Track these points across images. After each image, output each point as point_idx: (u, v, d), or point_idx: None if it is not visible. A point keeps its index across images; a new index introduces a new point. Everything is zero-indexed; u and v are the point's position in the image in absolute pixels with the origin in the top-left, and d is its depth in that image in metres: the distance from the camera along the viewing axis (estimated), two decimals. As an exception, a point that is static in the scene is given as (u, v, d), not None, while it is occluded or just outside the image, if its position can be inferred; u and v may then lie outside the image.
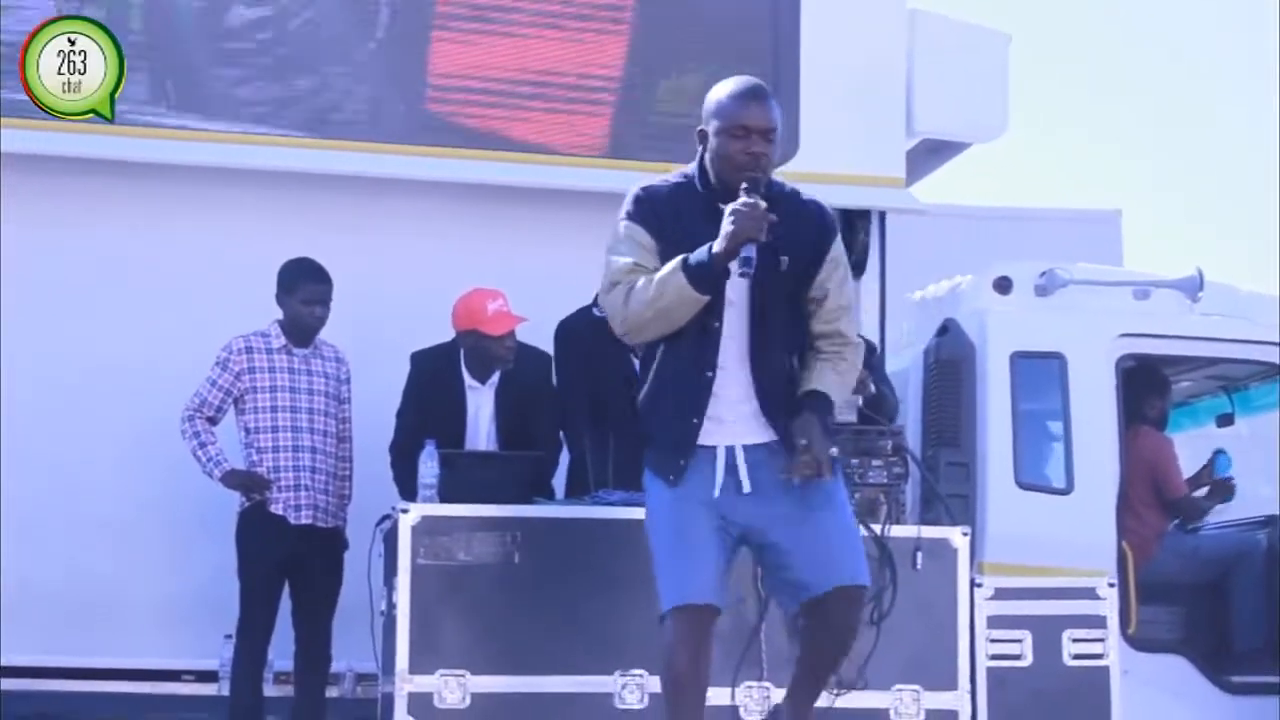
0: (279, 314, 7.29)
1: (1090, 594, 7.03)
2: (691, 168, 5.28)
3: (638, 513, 6.38)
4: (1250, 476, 8.62)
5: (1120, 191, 24.21)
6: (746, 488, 5.20)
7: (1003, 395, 7.92)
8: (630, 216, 5.24)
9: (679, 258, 5.09)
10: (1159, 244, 21.16)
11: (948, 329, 8.07)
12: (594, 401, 7.21)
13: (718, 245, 5.03)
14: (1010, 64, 8.81)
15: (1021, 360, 7.97)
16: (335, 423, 7.31)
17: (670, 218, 5.18)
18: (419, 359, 7.28)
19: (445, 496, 6.48)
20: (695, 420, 5.20)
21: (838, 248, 5.34)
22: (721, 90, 5.21)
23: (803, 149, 7.94)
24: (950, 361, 8.01)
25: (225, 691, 7.22)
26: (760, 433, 5.24)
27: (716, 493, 5.19)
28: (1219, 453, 8.45)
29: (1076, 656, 6.95)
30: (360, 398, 7.39)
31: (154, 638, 7.52)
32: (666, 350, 5.23)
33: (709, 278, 5.05)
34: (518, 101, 8.00)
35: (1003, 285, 8.08)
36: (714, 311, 5.16)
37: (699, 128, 5.26)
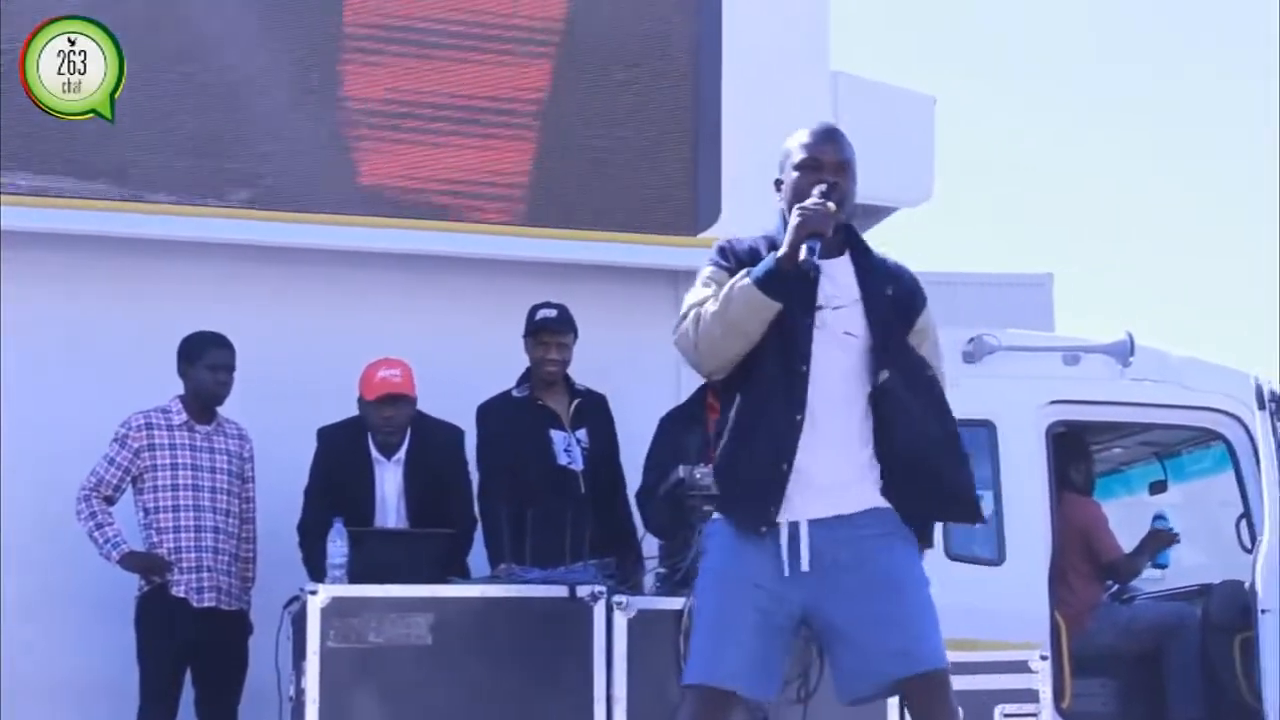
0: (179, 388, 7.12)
1: (1022, 667, 6.88)
2: (774, 226, 5.10)
3: (555, 590, 6.28)
4: (1184, 545, 8.55)
5: (1051, 255, 24.30)
6: (805, 566, 4.90)
7: (931, 464, 7.78)
8: (713, 262, 5.07)
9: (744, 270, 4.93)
10: (1092, 308, 21.18)
11: (875, 397, 7.94)
12: (512, 481, 7.08)
13: (784, 243, 4.88)
14: (936, 126, 8.75)
15: (950, 428, 7.84)
16: (239, 502, 7.15)
17: (752, 262, 4.97)
18: (325, 434, 7.14)
19: (355, 577, 6.32)
20: (785, 466, 4.91)
21: (929, 316, 5.13)
22: (794, 136, 5.12)
23: (725, 213, 7.86)
24: (878, 430, 7.89)
25: (127, 782, 7.02)
26: (837, 503, 4.95)
27: (787, 572, 4.90)
28: (1159, 516, 8.37)
29: (1009, 732, 6.81)
30: (267, 477, 7.23)
31: (54, 726, 7.31)
32: (746, 399, 4.97)
33: (775, 277, 4.86)
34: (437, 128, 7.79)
35: (930, 352, 7.97)
36: (800, 355, 4.92)
37: (776, 178, 5.12)
